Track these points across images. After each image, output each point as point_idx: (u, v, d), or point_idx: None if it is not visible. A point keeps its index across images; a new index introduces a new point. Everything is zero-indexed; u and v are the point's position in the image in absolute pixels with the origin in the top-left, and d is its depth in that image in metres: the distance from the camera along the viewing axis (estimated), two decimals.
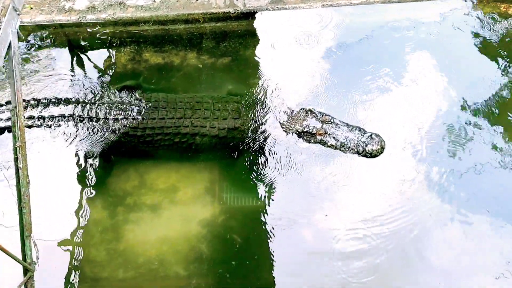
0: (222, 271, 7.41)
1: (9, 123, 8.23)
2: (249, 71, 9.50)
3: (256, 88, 9.04)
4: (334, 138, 8.06)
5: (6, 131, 8.37)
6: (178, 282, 7.33)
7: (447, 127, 8.32)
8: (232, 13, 10.33)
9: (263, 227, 7.65)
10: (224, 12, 10.33)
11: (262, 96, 8.84)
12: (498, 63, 9.15)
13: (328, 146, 8.13)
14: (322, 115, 8.30)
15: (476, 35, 9.67)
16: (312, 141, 8.18)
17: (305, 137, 8.22)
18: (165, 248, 7.62)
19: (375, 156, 7.91)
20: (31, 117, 8.21)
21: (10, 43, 5.49)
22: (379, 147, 7.87)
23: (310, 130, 8.16)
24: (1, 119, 8.35)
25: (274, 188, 7.97)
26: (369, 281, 7.06)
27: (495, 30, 9.75)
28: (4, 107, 8.50)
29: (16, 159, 5.99)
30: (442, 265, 7.10)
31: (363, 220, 7.51)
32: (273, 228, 7.61)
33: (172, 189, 8.18)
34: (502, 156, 7.91)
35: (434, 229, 7.37)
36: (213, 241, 7.62)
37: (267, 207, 7.82)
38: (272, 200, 7.88)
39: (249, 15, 10.33)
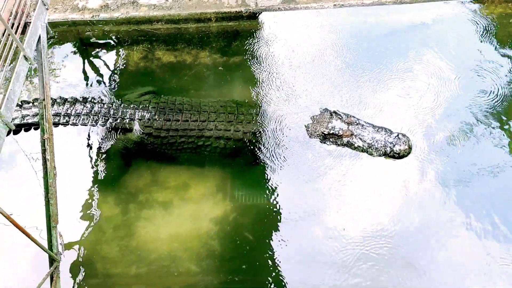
0: (234, 268, 7.42)
1: (35, 119, 8.33)
2: (263, 71, 9.51)
3: (274, 89, 9.06)
4: (360, 139, 7.98)
5: (32, 128, 8.47)
6: (189, 278, 7.33)
7: (457, 127, 8.28)
8: (244, 13, 10.40)
9: (275, 225, 7.65)
10: (236, 11, 10.41)
11: (281, 98, 8.83)
12: (509, 62, 9.12)
13: (354, 148, 8.06)
14: (347, 117, 8.23)
15: (488, 35, 9.66)
16: (339, 143, 8.09)
17: (331, 139, 8.12)
18: (176, 245, 7.62)
19: (402, 156, 7.84)
20: (57, 114, 8.31)
21: (39, 38, 5.57)
22: (406, 147, 7.82)
23: (336, 132, 8.06)
24: (28, 115, 8.43)
25: (288, 188, 7.95)
26: (378, 276, 7.06)
27: (507, 30, 9.73)
28: (30, 104, 8.60)
29: (44, 151, 6.06)
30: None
31: (373, 220, 7.49)
32: (285, 227, 7.60)
33: (184, 187, 8.19)
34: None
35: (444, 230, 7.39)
36: (225, 238, 7.62)
37: (280, 205, 7.82)
38: (285, 199, 7.86)
39: (261, 15, 10.39)
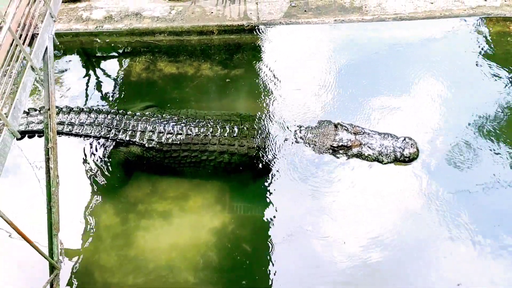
0: (232, 280, 7.44)
1: (40, 127, 8.37)
2: (265, 84, 9.64)
3: (276, 102, 9.15)
4: (369, 148, 8.04)
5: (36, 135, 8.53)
6: None
7: (455, 143, 8.34)
8: (246, 26, 10.55)
9: (273, 237, 7.68)
10: (238, 24, 10.58)
11: (284, 111, 8.90)
12: (507, 80, 9.24)
13: (364, 158, 8.08)
14: (353, 127, 8.27)
15: (485, 52, 9.80)
16: (349, 154, 8.11)
17: (341, 151, 8.13)
18: (174, 255, 7.64)
19: (412, 159, 7.96)
20: (61, 123, 8.29)
21: (46, 48, 5.68)
22: (415, 149, 7.96)
23: (345, 144, 8.07)
24: (33, 122, 8.49)
25: (288, 201, 7.98)
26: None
27: (505, 48, 9.88)
28: (37, 112, 8.67)
29: (47, 160, 6.15)
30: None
31: (370, 232, 7.53)
32: (282, 239, 7.62)
33: (183, 197, 8.21)
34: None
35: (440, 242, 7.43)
36: (223, 249, 7.63)
37: (279, 218, 7.86)
38: (285, 211, 7.90)
39: (263, 28, 10.55)
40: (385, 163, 8.04)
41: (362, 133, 8.19)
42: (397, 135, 8.19)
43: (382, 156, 8.01)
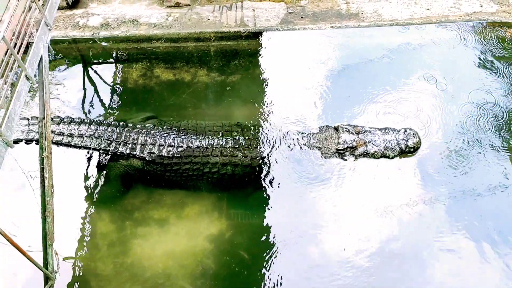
0: (229, 287, 7.41)
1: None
2: (262, 90, 9.63)
3: (274, 109, 9.13)
4: (374, 145, 8.07)
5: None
6: None
7: (450, 147, 8.36)
8: (242, 32, 10.56)
9: (270, 244, 7.65)
10: (235, 31, 10.59)
11: (284, 118, 8.86)
12: (502, 85, 9.26)
13: (370, 156, 8.10)
14: (353, 127, 8.28)
15: (481, 57, 9.83)
16: (356, 155, 8.09)
17: (347, 153, 8.12)
18: (171, 263, 7.60)
19: (417, 149, 8.07)
20: (61, 133, 8.18)
21: (41, 57, 5.65)
22: (417, 139, 8.07)
23: (350, 145, 8.08)
24: (33, 131, 8.40)
25: (284, 206, 7.97)
26: None
27: (500, 53, 9.91)
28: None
29: (42, 169, 6.09)
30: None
31: (367, 237, 7.52)
32: (280, 245, 7.59)
33: (180, 205, 8.15)
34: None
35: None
36: (220, 257, 7.58)
37: (275, 224, 7.83)
38: (281, 217, 7.87)
39: (260, 35, 10.57)
40: (392, 157, 8.09)
41: (363, 131, 8.22)
42: (396, 128, 8.27)
43: (388, 151, 8.07)
